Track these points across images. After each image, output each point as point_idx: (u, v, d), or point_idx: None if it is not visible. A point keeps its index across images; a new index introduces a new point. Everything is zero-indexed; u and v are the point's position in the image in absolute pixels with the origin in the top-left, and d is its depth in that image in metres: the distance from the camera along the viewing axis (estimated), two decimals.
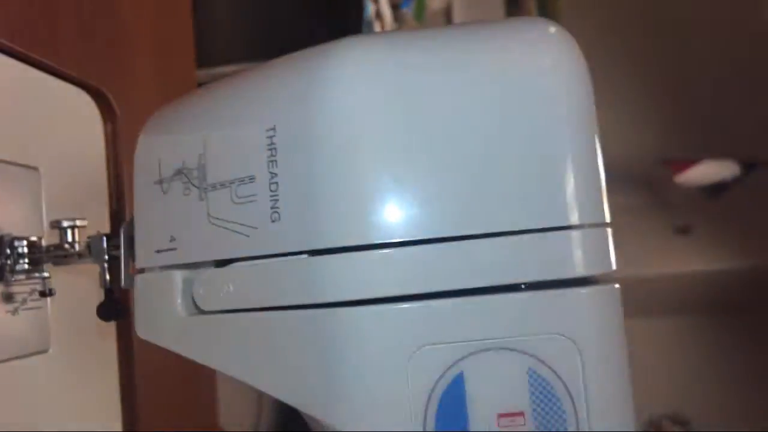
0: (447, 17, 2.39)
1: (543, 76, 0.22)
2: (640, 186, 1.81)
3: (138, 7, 0.46)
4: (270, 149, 0.22)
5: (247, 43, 1.29)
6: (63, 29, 0.37)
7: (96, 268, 0.30)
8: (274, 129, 0.22)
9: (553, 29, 0.23)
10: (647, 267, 1.69)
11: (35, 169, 0.34)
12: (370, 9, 1.46)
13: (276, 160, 0.22)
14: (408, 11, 2.01)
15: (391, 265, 0.21)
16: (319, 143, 0.21)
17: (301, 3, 1.34)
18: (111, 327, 0.38)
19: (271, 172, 0.22)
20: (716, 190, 1.96)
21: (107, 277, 0.29)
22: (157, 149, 0.26)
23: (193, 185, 0.24)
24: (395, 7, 1.89)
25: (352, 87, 0.22)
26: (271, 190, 0.22)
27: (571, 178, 0.21)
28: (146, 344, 0.25)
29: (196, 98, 0.26)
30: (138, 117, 0.44)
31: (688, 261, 1.98)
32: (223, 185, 0.23)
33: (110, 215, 0.39)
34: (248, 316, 0.22)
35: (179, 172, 0.25)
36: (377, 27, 1.57)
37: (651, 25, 2.09)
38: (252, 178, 0.23)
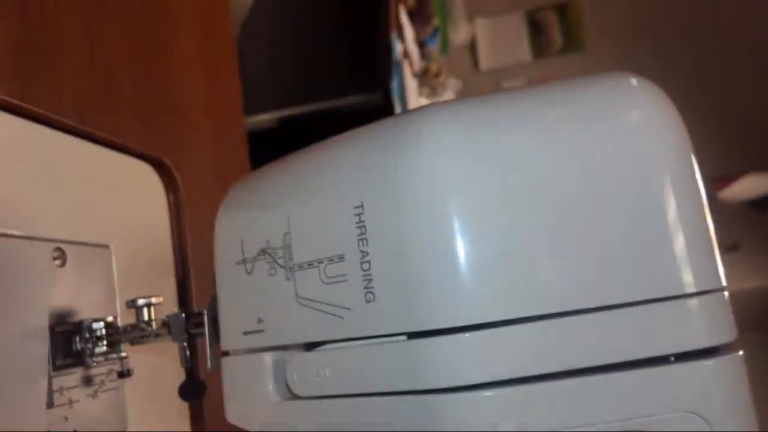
0: (472, 51, 2.41)
1: (639, 136, 0.21)
2: None
3: (188, 70, 0.47)
4: (359, 227, 0.22)
5: (285, 91, 1.31)
6: (122, 104, 0.38)
7: (172, 346, 0.30)
8: (362, 206, 0.22)
9: (637, 83, 0.22)
10: None
11: (106, 246, 0.34)
12: (398, 48, 1.48)
13: (366, 238, 0.21)
14: (433, 47, 2.04)
15: (496, 347, 0.19)
16: (411, 219, 0.21)
17: (333, 48, 1.37)
18: (185, 407, 0.37)
19: (362, 251, 0.21)
20: (762, 204, 1.91)
21: (188, 356, 0.29)
22: (239, 227, 0.26)
23: (279, 265, 0.24)
24: (421, 45, 1.91)
25: (441, 159, 0.21)
26: (362, 269, 0.21)
27: (683, 241, 0.20)
28: (220, 425, 0.24)
29: (275, 172, 0.26)
30: (197, 183, 0.44)
31: (739, 278, 1.91)
32: (310, 265, 0.23)
33: (177, 285, 0.39)
34: (346, 402, 0.22)
35: (263, 252, 0.24)
36: (406, 65, 1.58)
37: (684, 40, 2.06)
38: (341, 257, 0.22)
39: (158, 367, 0.34)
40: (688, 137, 0.22)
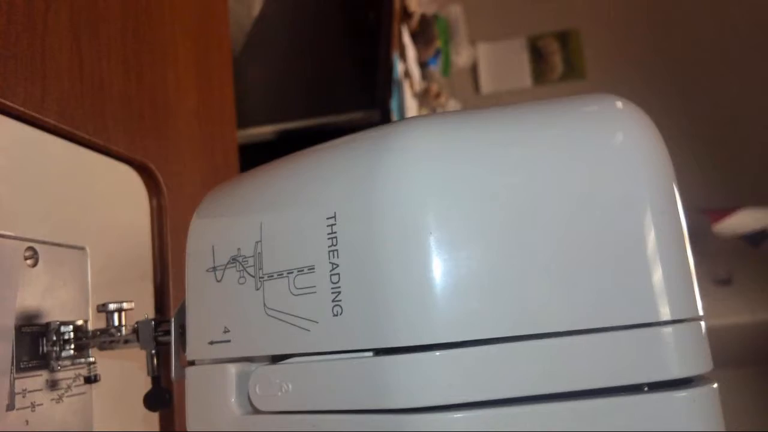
0: (473, 73, 2.43)
1: (620, 159, 0.20)
2: None
3: (181, 78, 0.47)
4: (331, 238, 0.21)
5: (285, 104, 1.31)
6: (109, 106, 0.38)
7: (141, 353, 0.29)
8: (334, 217, 0.21)
9: (622, 106, 0.22)
10: None
11: (82, 248, 0.33)
12: (399, 68, 1.48)
13: (337, 250, 0.21)
14: (435, 68, 2.05)
15: (467, 368, 0.19)
16: (383, 232, 0.20)
17: (335, 64, 1.37)
18: (154, 416, 0.36)
19: (332, 263, 0.21)
20: (756, 238, 1.90)
21: (155, 364, 0.28)
22: (211, 234, 0.25)
23: (249, 274, 0.23)
24: (423, 65, 1.92)
25: (417, 172, 0.20)
26: (332, 282, 0.21)
27: (660, 269, 0.19)
28: None
29: (250, 181, 0.26)
30: (183, 190, 0.43)
31: (731, 312, 1.90)
32: (280, 275, 0.22)
33: (155, 292, 0.38)
34: (307, 419, 0.21)
35: (234, 260, 0.24)
36: (406, 86, 1.59)
37: (685, 71, 2.08)
38: (312, 268, 0.21)
39: (127, 373, 0.34)
40: (671, 163, 0.21)
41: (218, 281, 0.24)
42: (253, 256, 0.23)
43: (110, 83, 0.37)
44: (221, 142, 0.52)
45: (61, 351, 0.29)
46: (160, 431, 0.35)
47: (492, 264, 0.19)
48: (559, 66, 2.32)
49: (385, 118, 1.24)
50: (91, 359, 0.30)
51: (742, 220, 1.84)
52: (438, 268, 0.19)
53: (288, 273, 0.22)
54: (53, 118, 0.32)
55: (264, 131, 1.26)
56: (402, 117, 1.42)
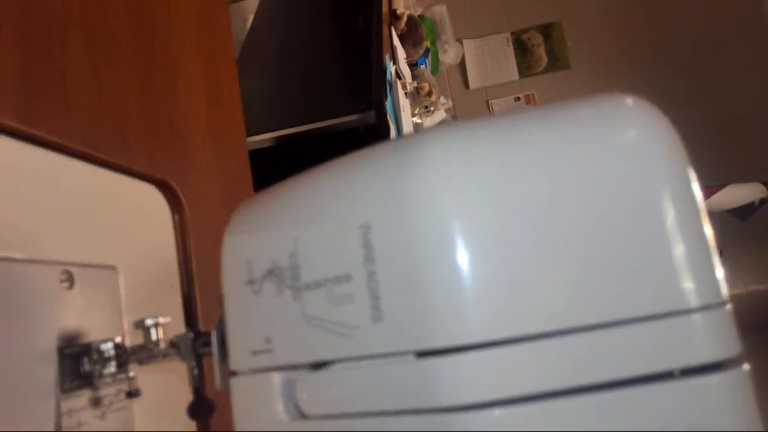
0: (462, 69, 2.44)
1: (636, 155, 0.21)
2: None
3: (192, 94, 0.48)
4: (365, 246, 0.22)
5: (281, 112, 1.32)
6: (128, 128, 0.38)
7: (180, 365, 0.30)
8: (368, 225, 0.22)
9: (632, 103, 0.23)
10: None
11: (113, 268, 0.34)
12: (391, 70, 1.49)
13: (374, 257, 0.22)
14: (425, 68, 2.06)
15: (503, 365, 0.20)
16: (416, 238, 0.21)
17: (329, 70, 1.38)
18: (192, 426, 0.37)
19: (368, 270, 0.22)
20: (745, 212, 1.92)
21: (195, 375, 0.29)
22: (245, 249, 0.26)
23: (286, 285, 0.24)
24: (413, 65, 1.94)
25: (445, 180, 0.21)
26: (369, 289, 0.22)
27: (684, 257, 0.20)
28: None
29: (281, 193, 0.26)
30: (202, 203, 0.44)
31: (726, 284, 1.91)
32: (318, 285, 0.23)
33: (183, 304, 0.39)
34: (355, 422, 0.22)
35: (270, 273, 0.25)
36: (399, 86, 1.60)
37: (665, 54, 2.10)
38: (348, 277, 0.22)
39: (167, 386, 0.35)
40: (685, 153, 0.22)
41: (256, 294, 0.25)
42: (289, 268, 0.24)
43: (127, 104, 0.38)
44: (234, 152, 0.53)
45: (102, 369, 0.30)
46: None
47: (525, 266, 0.20)
48: (543, 58, 2.34)
49: (380, 119, 1.25)
50: (131, 374, 0.31)
51: (730, 196, 1.86)
52: (469, 272, 0.20)
53: (325, 282, 0.23)
54: (77, 143, 0.33)
55: (263, 139, 1.27)
56: (397, 117, 1.43)
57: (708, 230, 0.21)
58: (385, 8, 1.52)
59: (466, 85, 2.43)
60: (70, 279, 0.31)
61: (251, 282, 0.25)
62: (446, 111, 2.06)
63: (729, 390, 0.19)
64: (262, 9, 1.52)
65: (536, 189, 0.21)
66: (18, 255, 0.28)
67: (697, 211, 0.21)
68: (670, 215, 0.21)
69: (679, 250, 0.20)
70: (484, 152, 0.22)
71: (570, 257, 0.20)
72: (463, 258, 0.20)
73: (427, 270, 0.21)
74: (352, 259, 0.22)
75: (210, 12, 0.54)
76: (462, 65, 2.43)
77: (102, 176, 0.36)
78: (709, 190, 1.83)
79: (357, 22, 1.46)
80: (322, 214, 0.24)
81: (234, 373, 0.26)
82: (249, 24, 1.48)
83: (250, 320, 0.25)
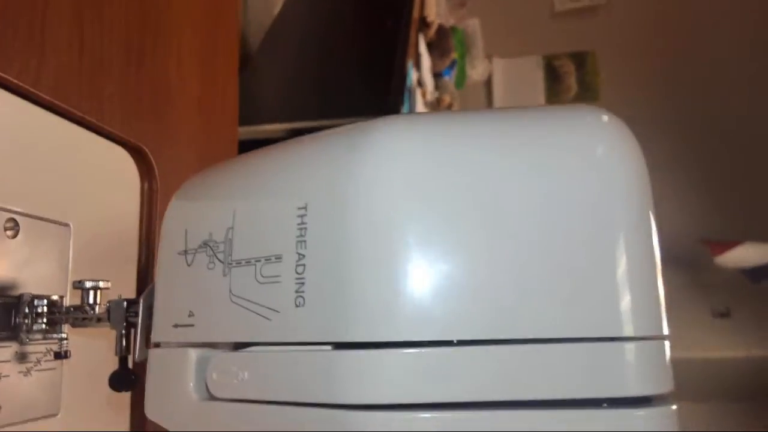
0: (488, 88, 2.43)
1: (599, 172, 0.20)
2: (679, 266, 1.75)
3: (184, 67, 0.47)
4: (300, 228, 0.21)
5: (298, 104, 1.32)
6: (108, 86, 0.38)
7: (114, 333, 0.29)
8: (305, 207, 0.21)
9: (606, 118, 0.21)
10: (685, 350, 1.61)
11: (66, 225, 0.33)
12: (412, 76, 1.49)
13: (305, 241, 0.21)
14: (449, 80, 2.05)
15: (423, 368, 0.19)
16: (352, 226, 0.20)
17: (350, 68, 1.38)
18: (125, 397, 0.36)
19: (298, 253, 0.21)
20: (757, 273, 1.88)
21: (123, 344, 0.28)
22: (186, 218, 0.25)
23: (218, 259, 0.23)
24: (437, 75, 1.93)
25: (393, 168, 0.20)
26: (297, 273, 0.21)
27: (628, 283, 0.19)
28: None
29: (230, 168, 0.26)
30: (177, 176, 0.43)
31: (728, 345, 1.88)
32: (248, 262, 0.22)
33: (137, 276, 0.38)
34: (261, 409, 0.21)
35: (205, 244, 0.24)
36: (419, 94, 1.59)
37: (697, 96, 2.07)
38: (279, 258, 0.21)
39: (99, 352, 0.34)
40: (649, 181, 0.21)
41: (188, 265, 0.24)
42: (224, 242, 0.23)
43: (110, 63, 0.38)
44: (221, 134, 0.52)
45: (32, 324, 0.29)
46: (131, 413, 0.35)
47: (460, 267, 0.19)
48: (573, 87, 2.32)
49: None
50: (64, 335, 0.30)
51: (744, 254, 1.83)
52: (405, 267, 0.19)
53: (256, 261, 0.22)
54: (48, 93, 0.32)
55: (275, 129, 1.27)
56: None
57: (658, 263, 0.20)
58: (415, 14, 1.51)
59: (490, 104, 2.41)
60: (15, 228, 0.30)
61: (185, 252, 0.24)
62: None
63: (653, 426, 0.18)
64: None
65: (485, 189, 0.20)
66: None
67: (649, 239, 0.20)
68: (622, 240, 0.19)
69: (623, 275, 0.19)
70: (436, 147, 0.21)
71: (512, 266, 0.19)
72: (398, 251, 0.19)
73: (357, 260, 0.20)
74: (285, 241, 0.21)
75: None
76: (488, 83, 2.42)
77: (70, 131, 0.35)
78: (723, 246, 1.80)
79: (385, 24, 1.45)
80: (265, 192, 0.23)
81: (156, 345, 0.25)
82: (275, 12, 1.48)
83: (177, 291, 0.24)
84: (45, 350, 0.30)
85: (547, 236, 0.19)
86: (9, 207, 0.30)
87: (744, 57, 2.04)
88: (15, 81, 0.30)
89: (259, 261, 0.22)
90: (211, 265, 0.23)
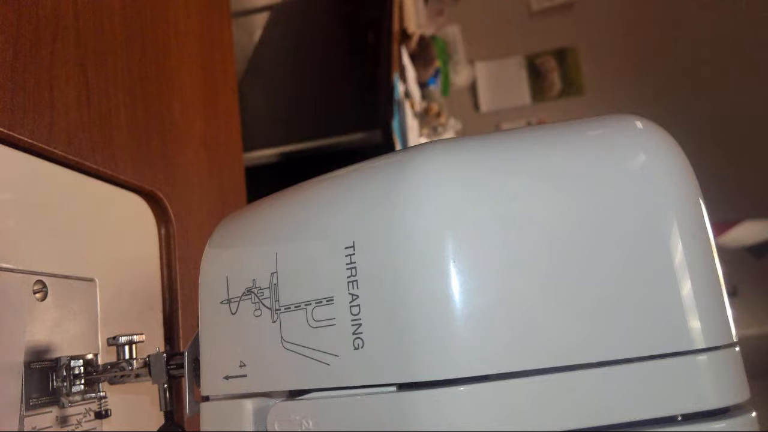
0: (473, 92, 2.44)
1: (645, 181, 0.20)
2: None
3: (188, 106, 0.47)
4: (349, 268, 0.21)
5: (287, 127, 1.32)
6: (117, 135, 0.37)
7: (153, 387, 0.28)
8: (353, 246, 0.21)
9: (642, 125, 0.21)
10: None
11: (92, 280, 0.32)
12: (399, 88, 1.49)
13: (357, 280, 0.20)
14: (435, 88, 2.06)
15: (494, 402, 0.18)
16: (404, 262, 0.20)
17: (336, 87, 1.38)
18: None
19: (351, 294, 0.20)
20: (760, 250, 1.90)
21: (167, 398, 0.27)
22: (224, 265, 0.25)
23: (265, 306, 0.23)
24: (423, 85, 1.93)
25: (439, 199, 0.20)
26: (352, 314, 0.20)
27: (691, 293, 0.19)
28: None
29: (265, 209, 0.25)
30: (192, 217, 0.43)
31: (737, 324, 1.88)
32: (297, 306, 0.22)
33: (164, 322, 0.38)
34: None
35: (249, 291, 0.23)
36: (407, 105, 1.59)
37: (682, 82, 2.09)
38: (330, 300, 0.21)
39: (139, 408, 0.33)
40: (696, 182, 0.21)
41: (233, 314, 0.24)
42: (268, 287, 0.23)
43: (117, 112, 0.37)
44: (228, 168, 0.52)
45: (71, 386, 0.28)
46: None
47: (517, 294, 0.19)
48: (557, 83, 2.34)
49: (387, 138, 1.25)
50: (102, 394, 0.29)
51: (746, 232, 1.84)
52: (460, 299, 0.19)
53: (306, 305, 0.22)
54: (61, 149, 0.32)
55: (268, 154, 1.27)
56: (404, 136, 1.42)
57: (718, 267, 0.20)
58: (395, 27, 1.52)
59: (477, 107, 2.42)
60: (43, 290, 0.29)
61: (228, 300, 0.24)
62: (456, 133, 2.05)
63: None
64: (271, 24, 1.53)
65: (537, 215, 0.19)
66: None
67: (708, 247, 0.20)
68: (678, 247, 0.19)
69: (686, 286, 0.19)
70: (478, 172, 0.20)
71: (570, 289, 0.19)
72: (453, 284, 0.19)
73: (413, 295, 0.19)
74: (335, 282, 0.21)
75: (211, 24, 0.53)
76: (473, 87, 2.43)
77: (86, 184, 0.34)
78: (724, 226, 1.81)
79: (367, 39, 1.46)
80: (307, 233, 0.23)
81: (206, 399, 0.24)
82: (257, 38, 1.48)
83: (224, 342, 0.24)
84: (84, 410, 0.30)
85: (601, 256, 0.19)
86: (35, 269, 0.29)
87: (724, 47, 2.06)
88: (29, 140, 0.30)
89: (310, 304, 0.21)
90: (258, 312, 0.23)
